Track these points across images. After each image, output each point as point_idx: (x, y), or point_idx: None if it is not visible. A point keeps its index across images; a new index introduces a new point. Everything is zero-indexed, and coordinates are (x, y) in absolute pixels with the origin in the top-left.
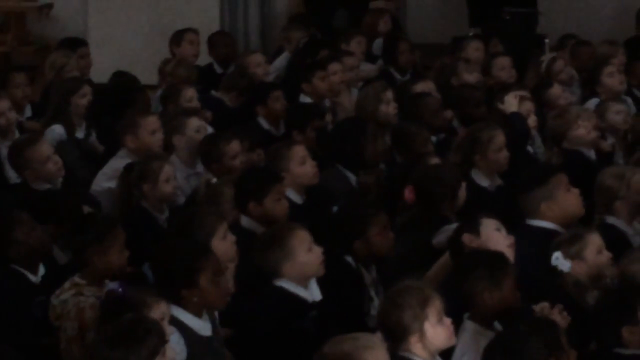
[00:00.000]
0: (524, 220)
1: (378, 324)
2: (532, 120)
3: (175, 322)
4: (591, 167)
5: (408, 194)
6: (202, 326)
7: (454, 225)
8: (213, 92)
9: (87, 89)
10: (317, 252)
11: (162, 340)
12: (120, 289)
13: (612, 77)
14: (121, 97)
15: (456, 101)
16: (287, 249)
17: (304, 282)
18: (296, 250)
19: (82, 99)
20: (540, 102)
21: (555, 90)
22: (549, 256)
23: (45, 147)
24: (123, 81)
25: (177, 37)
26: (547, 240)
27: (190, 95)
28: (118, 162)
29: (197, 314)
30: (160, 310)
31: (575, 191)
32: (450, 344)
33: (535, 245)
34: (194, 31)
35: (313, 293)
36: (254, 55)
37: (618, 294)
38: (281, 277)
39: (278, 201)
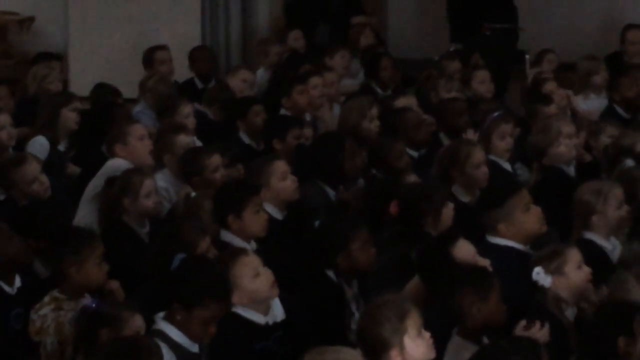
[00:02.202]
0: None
1: (357, 339)
2: (505, 144)
3: (166, 339)
4: (570, 183)
5: (393, 207)
6: (190, 343)
7: None
8: (196, 105)
9: (77, 103)
10: (266, 275)
11: None
12: (93, 305)
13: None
14: (102, 112)
15: (438, 113)
16: (231, 278)
17: (259, 306)
18: (241, 279)
19: (72, 112)
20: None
21: (551, 109)
22: (514, 273)
23: (31, 168)
24: (104, 94)
25: (147, 59)
26: (507, 257)
27: (187, 111)
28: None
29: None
30: (135, 324)
31: (535, 210)
32: (430, 358)
33: (498, 262)
34: (162, 48)
35: (275, 314)
36: (240, 71)
37: (615, 306)
38: (234, 305)
39: (257, 213)
